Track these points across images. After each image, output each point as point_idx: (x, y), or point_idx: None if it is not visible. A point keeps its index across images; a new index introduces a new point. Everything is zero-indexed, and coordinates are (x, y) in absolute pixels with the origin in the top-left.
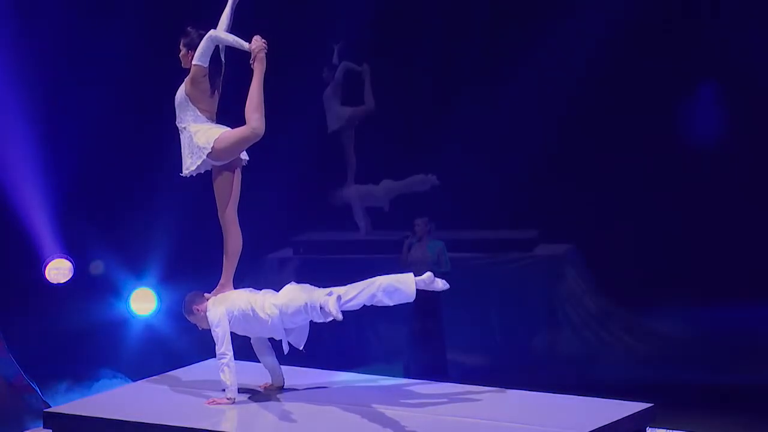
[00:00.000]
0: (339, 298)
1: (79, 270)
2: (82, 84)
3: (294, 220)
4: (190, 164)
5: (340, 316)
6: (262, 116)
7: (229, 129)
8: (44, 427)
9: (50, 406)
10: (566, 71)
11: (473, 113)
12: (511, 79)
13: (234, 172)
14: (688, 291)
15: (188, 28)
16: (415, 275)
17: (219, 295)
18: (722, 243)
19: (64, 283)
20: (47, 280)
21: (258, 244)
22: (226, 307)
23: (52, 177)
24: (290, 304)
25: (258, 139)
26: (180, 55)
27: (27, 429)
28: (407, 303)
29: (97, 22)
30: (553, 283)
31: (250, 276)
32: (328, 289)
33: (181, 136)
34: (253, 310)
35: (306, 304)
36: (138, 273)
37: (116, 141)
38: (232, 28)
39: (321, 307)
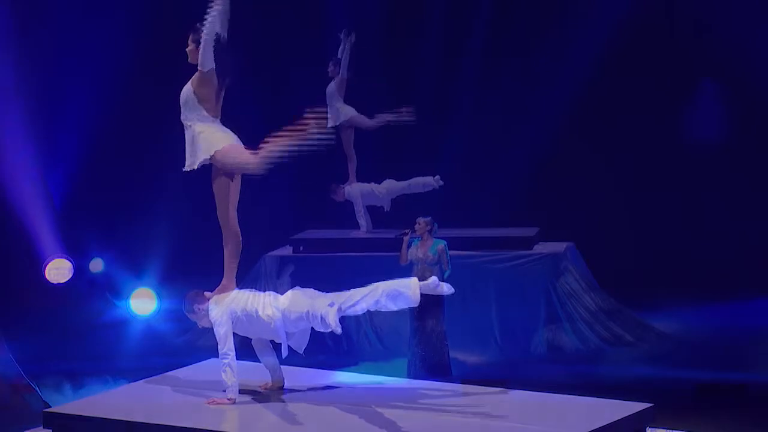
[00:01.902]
0: (339, 309)
1: (79, 270)
2: (82, 84)
3: (293, 219)
4: (191, 163)
5: (338, 330)
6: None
7: (233, 141)
8: (44, 427)
9: (50, 406)
10: (567, 71)
11: (474, 112)
12: (512, 79)
13: (234, 174)
14: (688, 291)
15: (197, 24)
16: (414, 273)
17: (221, 295)
18: (722, 243)
19: (64, 283)
20: (47, 280)
21: (258, 242)
22: (229, 307)
23: (52, 177)
24: (293, 309)
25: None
26: (188, 50)
27: (27, 429)
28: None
29: (98, 24)
30: (553, 282)
31: (250, 274)
32: (330, 298)
33: (185, 132)
34: (256, 312)
35: (308, 312)
36: (138, 273)
37: (116, 141)
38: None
39: (322, 318)
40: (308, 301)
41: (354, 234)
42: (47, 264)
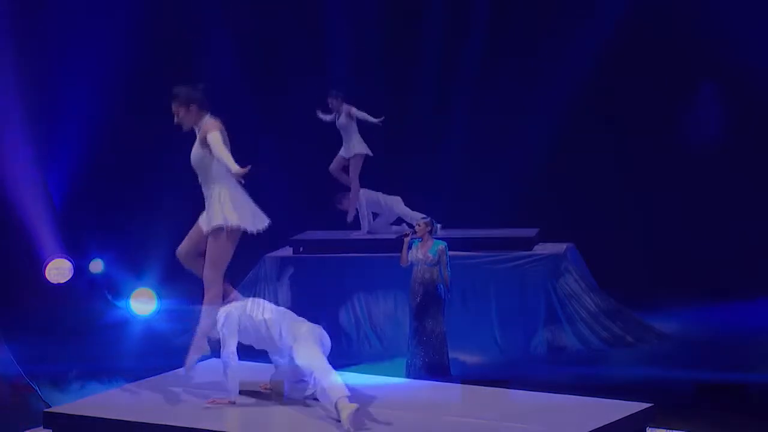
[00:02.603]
0: (357, 410)
1: (79, 270)
2: (82, 85)
3: (293, 220)
4: (207, 222)
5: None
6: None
7: (239, 224)
8: (44, 427)
9: (50, 406)
10: (566, 71)
11: (473, 113)
12: (511, 79)
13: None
14: (688, 291)
15: (174, 89)
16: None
17: (236, 302)
18: (723, 243)
19: (64, 283)
20: (47, 280)
21: (257, 243)
22: (237, 313)
23: (52, 177)
24: (300, 357)
25: None
26: (178, 120)
27: (27, 429)
28: (408, 302)
29: (98, 24)
30: (553, 282)
31: (250, 276)
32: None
33: (206, 193)
34: (267, 329)
35: (314, 377)
36: (138, 273)
37: (116, 142)
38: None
39: (323, 389)
40: (314, 355)
41: (354, 235)
42: (47, 264)
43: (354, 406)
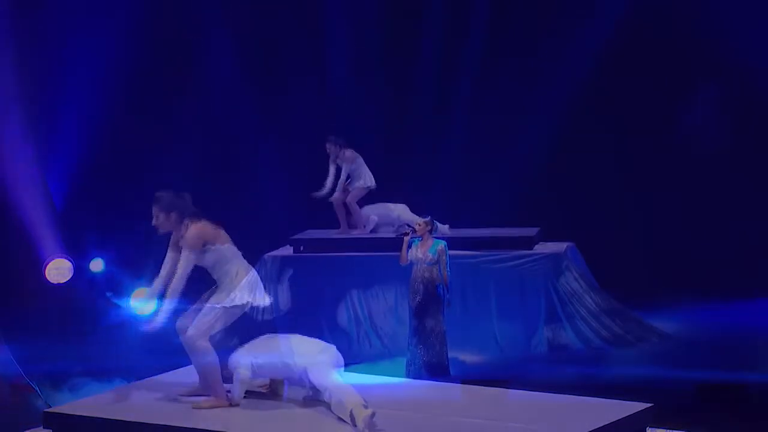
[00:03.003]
0: (373, 414)
1: (79, 270)
2: (82, 84)
3: (293, 219)
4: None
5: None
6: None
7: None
8: (44, 427)
9: (50, 406)
10: (567, 71)
11: (474, 113)
12: (512, 79)
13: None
14: (688, 290)
15: (157, 193)
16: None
17: (243, 346)
18: (723, 243)
19: (64, 283)
20: (47, 280)
21: (258, 243)
22: (248, 351)
23: (52, 177)
24: (314, 373)
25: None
26: (156, 224)
27: (27, 429)
28: (408, 302)
29: (99, 24)
30: (553, 281)
31: None
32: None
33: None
34: (280, 358)
35: (329, 393)
36: (138, 273)
37: (117, 141)
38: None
39: (339, 401)
40: (329, 374)
41: (354, 234)
42: (47, 264)
43: (369, 411)
